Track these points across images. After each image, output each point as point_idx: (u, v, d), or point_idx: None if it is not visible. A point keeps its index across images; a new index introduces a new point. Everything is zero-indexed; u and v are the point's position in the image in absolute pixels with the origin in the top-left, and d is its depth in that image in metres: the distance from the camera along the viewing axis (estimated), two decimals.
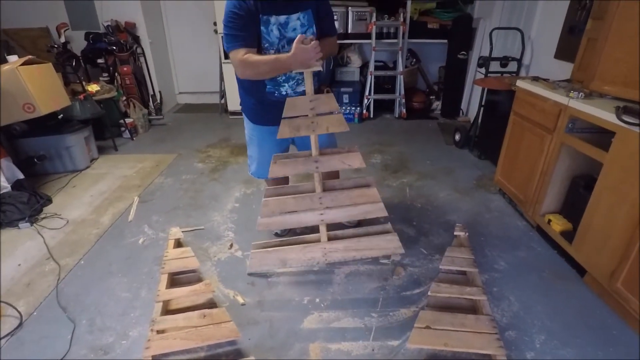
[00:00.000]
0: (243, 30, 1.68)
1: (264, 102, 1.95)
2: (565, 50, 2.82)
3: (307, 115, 1.89)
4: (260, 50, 1.76)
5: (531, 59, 3.40)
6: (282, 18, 1.74)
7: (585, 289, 2.02)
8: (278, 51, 1.77)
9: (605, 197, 1.88)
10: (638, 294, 1.69)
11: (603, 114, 1.85)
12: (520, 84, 2.56)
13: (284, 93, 1.91)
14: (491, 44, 3.44)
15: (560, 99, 2.15)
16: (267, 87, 1.89)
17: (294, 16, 1.76)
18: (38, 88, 2.89)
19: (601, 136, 1.96)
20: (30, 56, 3.00)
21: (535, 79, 2.55)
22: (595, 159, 1.95)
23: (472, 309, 1.82)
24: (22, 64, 2.85)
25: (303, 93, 1.88)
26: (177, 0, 5.05)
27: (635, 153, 1.68)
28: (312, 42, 1.67)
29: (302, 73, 1.82)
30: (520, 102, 2.57)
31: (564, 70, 2.81)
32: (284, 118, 1.85)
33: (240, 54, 1.69)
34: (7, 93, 2.75)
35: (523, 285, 2.05)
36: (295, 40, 1.65)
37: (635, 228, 1.69)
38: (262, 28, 1.73)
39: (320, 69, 1.76)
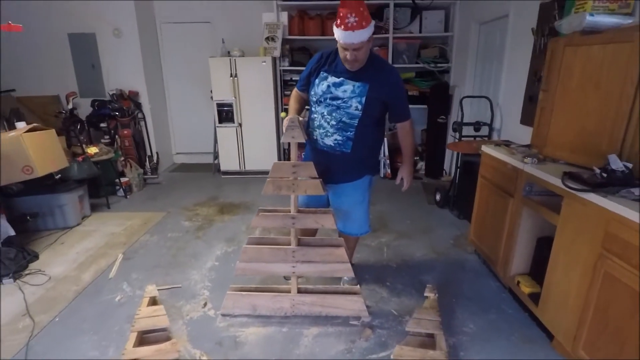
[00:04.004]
0: (305, 77, 2.22)
1: (310, 145, 2.29)
2: (528, 116, 3.01)
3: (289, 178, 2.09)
4: (308, 96, 2.23)
5: (501, 124, 3.61)
6: (339, 80, 2.06)
7: (553, 354, 2.01)
8: (320, 101, 2.13)
9: (561, 257, 1.94)
10: None
11: (552, 179, 1.96)
12: (484, 148, 2.71)
13: (314, 138, 2.22)
14: (462, 110, 3.67)
15: (517, 163, 2.28)
16: (309, 127, 2.25)
17: (351, 82, 2.05)
18: (38, 152, 3.08)
19: (557, 199, 2.05)
20: (35, 124, 3.25)
21: (498, 144, 2.72)
22: (550, 221, 2.03)
23: None
24: (27, 131, 3.08)
25: (329, 144, 2.15)
26: (178, 70, 5.50)
27: (582, 215, 1.77)
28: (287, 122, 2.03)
29: (331, 125, 2.12)
30: (485, 166, 2.71)
31: (528, 134, 2.97)
32: (269, 178, 2.09)
33: (294, 90, 2.32)
34: (8, 157, 2.94)
35: (491, 349, 2.04)
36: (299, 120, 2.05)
37: (588, 290, 1.73)
38: (316, 80, 2.12)
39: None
